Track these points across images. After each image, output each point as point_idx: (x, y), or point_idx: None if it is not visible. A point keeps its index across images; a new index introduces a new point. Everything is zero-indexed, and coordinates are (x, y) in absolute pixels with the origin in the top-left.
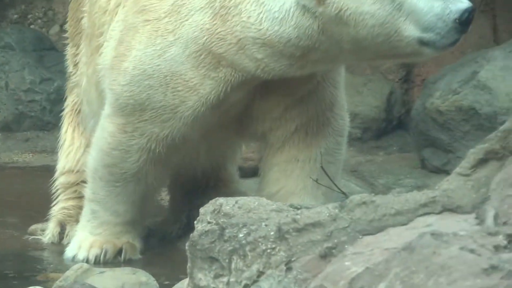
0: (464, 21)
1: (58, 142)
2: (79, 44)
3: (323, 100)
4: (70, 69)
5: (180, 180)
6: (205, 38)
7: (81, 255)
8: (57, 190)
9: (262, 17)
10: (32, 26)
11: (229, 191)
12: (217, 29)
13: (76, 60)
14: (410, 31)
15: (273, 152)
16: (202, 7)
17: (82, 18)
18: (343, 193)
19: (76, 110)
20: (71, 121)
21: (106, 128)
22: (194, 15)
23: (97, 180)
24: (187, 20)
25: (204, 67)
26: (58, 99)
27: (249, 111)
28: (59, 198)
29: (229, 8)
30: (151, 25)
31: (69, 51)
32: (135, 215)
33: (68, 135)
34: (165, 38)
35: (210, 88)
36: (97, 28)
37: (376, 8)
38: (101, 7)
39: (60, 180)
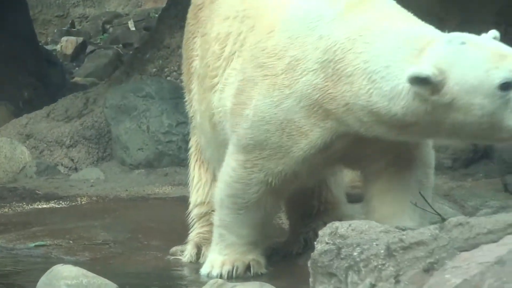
0: None
1: (188, 178)
2: (191, 88)
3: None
4: (191, 113)
5: (295, 207)
6: (317, 95)
7: (215, 272)
8: (193, 220)
9: (372, 92)
10: (168, 78)
11: (338, 214)
12: (328, 89)
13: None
14: None
15: (372, 183)
16: (315, 69)
17: (193, 61)
18: (439, 214)
19: (199, 149)
20: (197, 160)
21: (230, 164)
22: (308, 75)
23: (223, 209)
24: (301, 78)
25: (315, 117)
26: None
27: (348, 152)
28: (195, 226)
29: (341, 77)
30: (269, 80)
31: (187, 97)
32: (256, 236)
33: (196, 172)
34: (282, 92)
35: (318, 134)
36: (211, 70)
37: (487, 101)
38: (215, 52)
39: (194, 212)
